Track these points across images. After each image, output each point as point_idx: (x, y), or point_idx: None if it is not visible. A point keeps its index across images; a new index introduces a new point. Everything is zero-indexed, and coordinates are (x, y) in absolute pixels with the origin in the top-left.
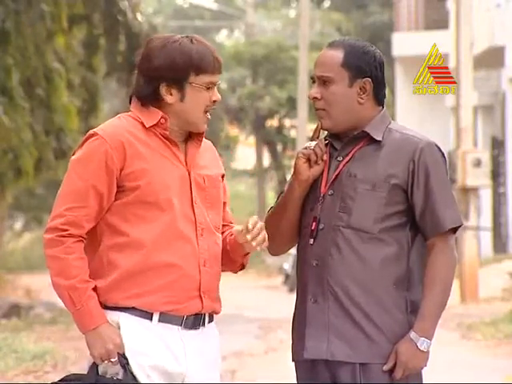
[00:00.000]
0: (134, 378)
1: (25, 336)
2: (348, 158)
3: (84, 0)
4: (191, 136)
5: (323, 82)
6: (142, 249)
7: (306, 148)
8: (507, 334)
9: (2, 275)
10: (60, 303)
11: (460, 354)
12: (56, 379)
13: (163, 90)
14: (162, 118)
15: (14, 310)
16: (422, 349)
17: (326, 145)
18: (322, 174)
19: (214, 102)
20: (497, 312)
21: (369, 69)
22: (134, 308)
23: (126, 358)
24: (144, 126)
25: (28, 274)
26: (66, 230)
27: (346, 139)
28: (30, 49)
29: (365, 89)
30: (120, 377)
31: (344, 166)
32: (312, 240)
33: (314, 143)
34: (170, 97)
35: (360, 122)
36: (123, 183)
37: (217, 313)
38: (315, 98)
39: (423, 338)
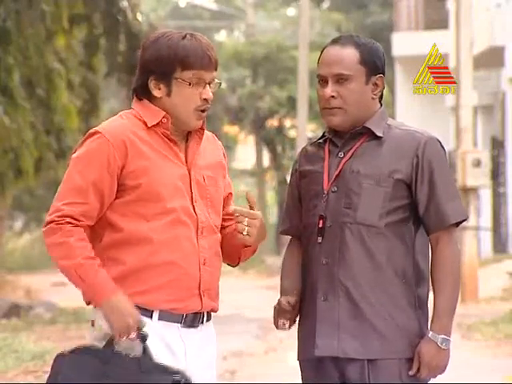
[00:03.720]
0: (151, 355)
1: (25, 336)
2: (350, 155)
3: (84, 0)
4: (191, 133)
5: (339, 80)
6: (145, 247)
7: (281, 304)
8: (507, 333)
9: (2, 275)
10: (60, 303)
11: (460, 354)
12: None
13: (152, 83)
14: (163, 117)
15: (14, 310)
16: (442, 347)
17: (326, 141)
18: (322, 170)
19: (206, 100)
20: (497, 312)
21: (381, 65)
22: (135, 306)
23: (144, 333)
24: (146, 124)
25: (28, 273)
26: (64, 219)
27: (347, 135)
28: (31, 49)
29: (377, 85)
30: (136, 353)
31: (346, 162)
32: (320, 238)
33: (287, 307)
34: (157, 91)
35: (366, 116)
36: (124, 181)
37: (215, 311)
38: (332, 96)
39: (442, 336)
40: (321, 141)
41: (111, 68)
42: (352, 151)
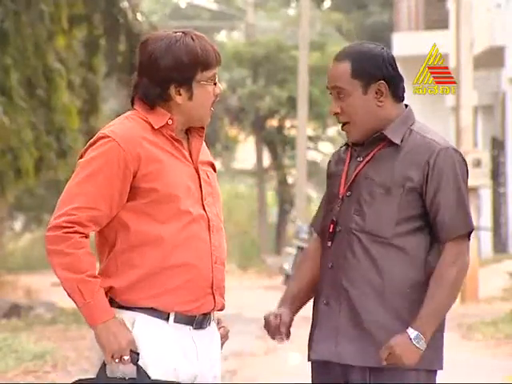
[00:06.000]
0: (147, 375)
1: (25, 336)
2: (367, 160)
3: (84, 0)
4: (191, 131)
5: (339, 95)
6: (159, 249)
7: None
8: (507, 333)
9: (2, 275)
10: (60, 303)
11: (460, 354)
12: (56, 379)
13: (173, 91)
14: (169, 118)
15: (14, 310)
16: (415, 344)
17: (348, 147)
18: (341, 173)
19: (217, 95)
20: (497, 312)
21: (380, 72)
22: (152, 308)
23: (137, 354)
24: (152, 127)
25: (28, 274)
26: (72, 227)
27: (366, 141)
28: (30, 49)
29: (381, 91)
30: (132, 375)
31: (362, 167)
32: (330, 242)
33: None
34: (179, 97)
35: (381, 123)
36: (138, 185)
37: (224, 308)
38: (336, 113)
39: (418, 333)
40: (347, 146)
41: (111, 68)
42: (369, 157)
